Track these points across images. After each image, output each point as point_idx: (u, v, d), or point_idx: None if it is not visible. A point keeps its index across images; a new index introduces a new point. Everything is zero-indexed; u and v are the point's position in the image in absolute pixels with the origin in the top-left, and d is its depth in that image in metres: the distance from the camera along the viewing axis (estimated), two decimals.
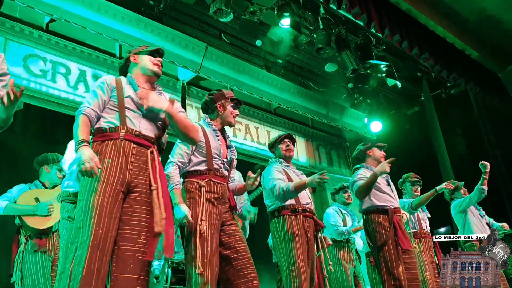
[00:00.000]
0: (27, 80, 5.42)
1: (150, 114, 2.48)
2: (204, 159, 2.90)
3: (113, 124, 2.37)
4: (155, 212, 2.26)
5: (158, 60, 2.67)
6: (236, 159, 3.15)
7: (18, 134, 5.50)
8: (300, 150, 8.72)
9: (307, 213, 3.56)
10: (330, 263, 3.64)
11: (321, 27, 6.59)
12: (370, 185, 3.79)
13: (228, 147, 3.12)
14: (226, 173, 3.00)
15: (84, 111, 2.36)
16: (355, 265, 5.04)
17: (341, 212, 5.29)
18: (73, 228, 2.24)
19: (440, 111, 8.44)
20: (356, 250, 5.19)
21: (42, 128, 5.86)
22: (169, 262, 4.75)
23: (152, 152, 2.40)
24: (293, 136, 3.99)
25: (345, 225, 5.14)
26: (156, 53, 2.69)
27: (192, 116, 7.01)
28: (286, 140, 3.89)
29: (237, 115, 3.16)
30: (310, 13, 6.63)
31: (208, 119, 3.13)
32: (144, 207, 2.28)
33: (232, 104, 3.14)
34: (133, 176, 2.29)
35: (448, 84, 8.41)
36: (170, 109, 2.45)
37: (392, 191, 4.00)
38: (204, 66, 6.63)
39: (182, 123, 2.52)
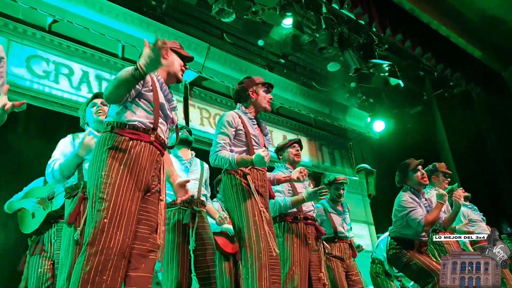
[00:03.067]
0: (30, 81, 5.43)
1: (169, 123, 2.44)
2: (245, 148, 2.87)
3: (145, 125, 2.24)
4: (159, 222, 2.24)
5: (184, 67, 2.58)
6: None
7: (20, 135, 5.51)
8: (303, 150, 8.69)
9: (309, 221, 3.56)
10: (323, 271, 3.52)
11: (324, 26, 6.58)
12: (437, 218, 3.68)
13: (264, 135, 3.09)
14: None
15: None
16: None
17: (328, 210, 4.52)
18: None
19: (443, 111, 8.43)
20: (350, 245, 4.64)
21: (45, 128, 5.87)
22: None
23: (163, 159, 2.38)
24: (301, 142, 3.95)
25: (334, 226, 4.49)
26: (186, 59, 2.61)
27: (195, 116, 7.02)
28: (296, 145, 3.85)
29: (270, 99, 3.11)
30: (312, 13, 6.62)
31: (243, 107, 3.07)
32: (153, 208, 2.26)
33: (264, 89, 3.08)
34: (153, 179, 2.27)
35: (451, 84, 8.39)
36: None
37: None
38: (207, 66, 6.63)
39: None
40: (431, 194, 4.52)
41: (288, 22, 6.24)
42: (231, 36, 7.42)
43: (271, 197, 2.97)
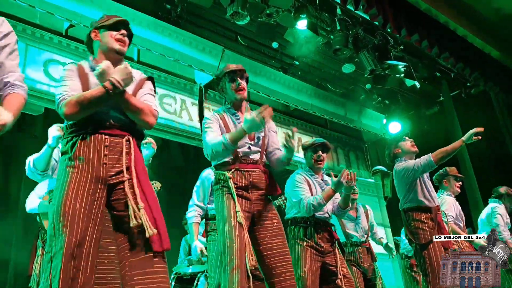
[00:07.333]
0: (48, 85, 5.51)
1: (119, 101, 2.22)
2: None
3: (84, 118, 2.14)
4: (129, 205, 2.00)
5: (122, 34, 2.32)
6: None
7: (39, 139, 5.58)
8: None
9: (321, 224, 3.48)
10: (340, 277, 3.39)
11: (338, 28, 6.55)
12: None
13: None
14: (256, 156, 2.84)
15: (66, 96, 2.21)
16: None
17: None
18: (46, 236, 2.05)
19: (460, 112, 8.31)
20: (368, 249, 4.72)
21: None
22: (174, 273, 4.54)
23: (127, 140, 2.15)
24: (328, 144, 3.72)
25: (344, 231, 4.63)
26: (120, 25, 2.32)
27: None
28: (319, 150, 3.64)
29: (238, 86, 3.01)
30: (327, 14, 6.59)
31: (227, 103, 3.06)
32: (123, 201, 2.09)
33: (227, 80, 3.06)
34: (108, 170, 2.06)
35: (468, 84, 8.28)
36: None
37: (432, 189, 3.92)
38: (221, 69, 6.64)
39: (134, 106, 2.21)
40: (443, 199, 4.49)
41: (302, 24, 6.22)
42: (246, 39, 7.42)
43: (273, 192, 2.83)
